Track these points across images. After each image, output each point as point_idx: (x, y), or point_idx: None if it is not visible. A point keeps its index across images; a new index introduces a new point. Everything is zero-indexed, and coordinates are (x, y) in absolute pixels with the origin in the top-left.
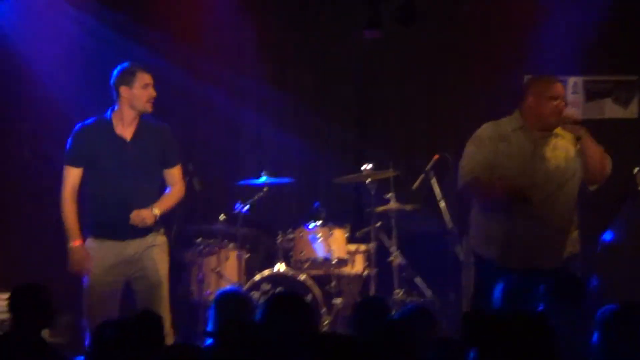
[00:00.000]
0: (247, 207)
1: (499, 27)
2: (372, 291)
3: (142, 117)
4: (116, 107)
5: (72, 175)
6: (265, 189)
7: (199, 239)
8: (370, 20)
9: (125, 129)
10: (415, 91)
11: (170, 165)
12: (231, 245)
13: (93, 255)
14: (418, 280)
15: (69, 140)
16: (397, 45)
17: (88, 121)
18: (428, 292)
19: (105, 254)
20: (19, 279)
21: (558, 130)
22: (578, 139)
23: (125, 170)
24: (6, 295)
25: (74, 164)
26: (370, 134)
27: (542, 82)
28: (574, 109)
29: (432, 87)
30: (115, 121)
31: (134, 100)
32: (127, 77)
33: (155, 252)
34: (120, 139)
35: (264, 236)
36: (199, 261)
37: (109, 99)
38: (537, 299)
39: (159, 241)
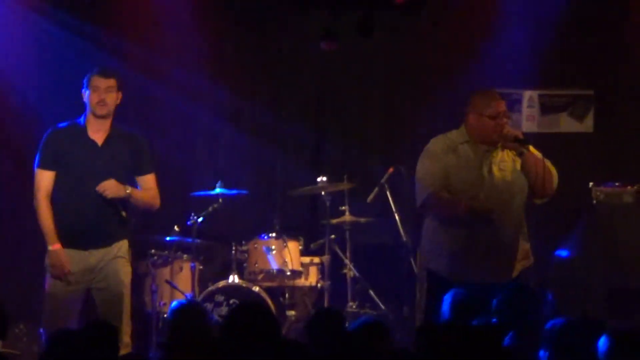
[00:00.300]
0: (201, 218)
1: (455, 41)
2: (326, 303)
3: (114, 124)
4: (86, 112)
5: (45, 179)
6: (220, 200)
7: (153, 250)
8: (327, 31)
9: (96, 134)
10: (371, 104)
11: (143, 172)
12: (185, 256)
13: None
14: (372, 292)
15: (41, 144)
16: (354, 58)
17: (60, 125)
18: (382, 305)
19: (72, 259)
20: None
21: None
22: (520, 154)
23: (95, 176)
24: None
25: (47, 167)
26: (325, 146)
27: (482, 100)
28: (514, 127)
29: (388, 100)
30: (88, 125)
31: (89, 103)
32: (86, 82)
33: (120, 264)
34: (92, 143)
35: (218, 247)
36: (152, 272)
37: (79, 105)
38: (490, 312)
39: (123, 252)
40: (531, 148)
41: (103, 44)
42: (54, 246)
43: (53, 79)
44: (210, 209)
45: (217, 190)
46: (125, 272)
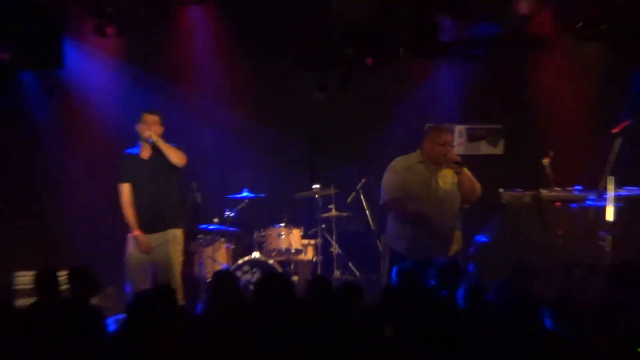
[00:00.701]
0: (233, 213)
1: (410, 88)
2: (318, 272)
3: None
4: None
5: (125, 188)
6: (246, 200)
7: (200, 235)
8: (319, 86)
9: (143, 153)
10: (350, 134)
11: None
12: (222, 239)
13: (133, 242)
14: (350, 264)
15: (120, 163)
16: (338, 101)
17: (126, 151)
18: (357, 273)
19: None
20: (79, 259)
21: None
22: (457, 173)
23: (146, 181)
24: (65, 272)
25: (124, 180)
26: (318, 163)
27: (434, 132)
28: (454, 153)
29: (362, 132)
30: (140, 150)
31: (140, 132)
32: (140, 118)
33: (171, 244)
34: (141, 160)
35: (245, 233)
36: (199, 251)
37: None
38: (429, 277)
39: (172, 236)
40: (465, 169)
41: (157, 87)
42: (137, 231)
43: (128, 111)
44: (239, 206)
45: (244, 193)
46: (174, 250)
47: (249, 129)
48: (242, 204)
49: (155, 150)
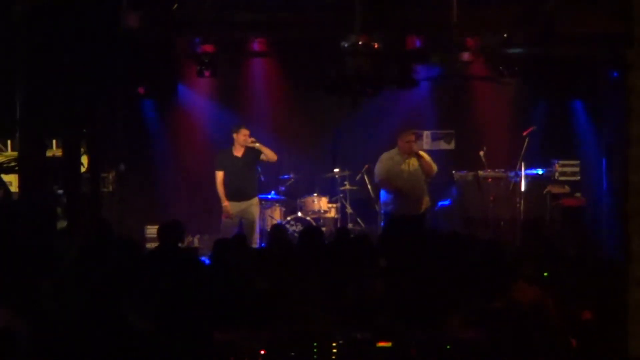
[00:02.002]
0: (283, 187)
1: (396, 109)
2: (338, 224)
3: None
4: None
5: (219, 175)
6: (292, 179)
7: (263, 202)
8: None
9: (238, 152)
10: (359, 135)
11: (260, 155)
12: (277, 204)
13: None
14: (359, 219)
15: (216, 158)
16: (352, 121)
17: (222, 149)
18: (363, 225)
19: (232, 207)
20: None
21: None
22: (418, 158)
23: (240, 170)
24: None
25: (219, 169)
26: (338, 153)
27: (402, 134)
28: (417, 147)
29: (367, 134)
30: (233, 148)
31: (237, 139)
32: (236, 129)
33: (254, 208)
34: (236, 156)
35: (292, 200)
36: (262, 211)
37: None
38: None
39: (255, 202)
40: (423, 154)
41: (236, 110)
42: (225, 202)
43: (218, 127)
44: (287, 183)
45: (291, 174)
46: (256, 211)
47: (293, 134)
48: (289, 182)
49: (247, 149)
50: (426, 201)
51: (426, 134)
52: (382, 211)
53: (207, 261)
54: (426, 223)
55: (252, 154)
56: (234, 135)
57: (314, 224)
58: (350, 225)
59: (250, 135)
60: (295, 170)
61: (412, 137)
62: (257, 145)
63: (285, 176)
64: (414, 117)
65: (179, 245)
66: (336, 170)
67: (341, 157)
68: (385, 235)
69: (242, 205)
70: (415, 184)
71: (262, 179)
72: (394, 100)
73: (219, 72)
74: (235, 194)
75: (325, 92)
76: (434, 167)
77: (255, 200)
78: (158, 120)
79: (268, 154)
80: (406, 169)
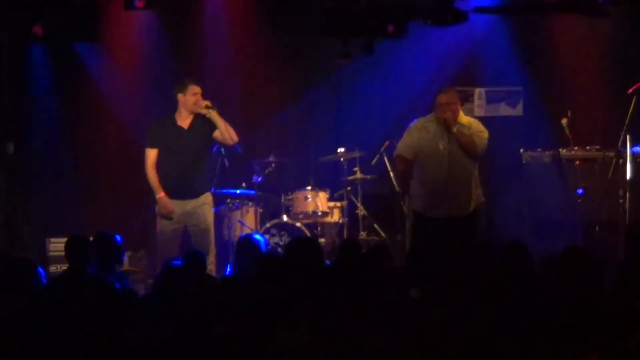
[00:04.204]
0: (260, 177)
1: (430, 54)
2: (345, 234)
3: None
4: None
5: (151, 155)
6: (273, 165)
7: (228, 200)
8: (342, 52)
9: (184, 122)
10: (373, 100)
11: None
12: (250, 203)
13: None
14: (376, 225)
15: (148, 131)
16: (361, 69)
17: (160, 118)
18: (382, 234)
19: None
20: (110, 226)
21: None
22: (448, 132)
23: (184, 150)
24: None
25: (152, 146)
26: (343, 127)
27: (437, 95)
28: (450, 113)
29: (384, 97)
30: (177, 116)
31: (185, 103)
32: (178, 87)
33: (205, 209)
34: (179, 128)
35: (273, 197)
36: (228, 214)
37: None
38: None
39: (208, 200)
40: (458, 129)
41: (185, 58)
42: (161, 194)
43: (160, 83)
44: (266, 171)
45: (270, 158)
46: (209, 214)
47: (272, 95)
48: (269, 169)
49: (196, 119)
50: (477, 196)
51: (479, 92)
52: (412, 211)
53: (147, 292)
54: (478, 229)
55: (204, 125)
56: (178, 96)
57: (307, 233)
58: (362, 235)
59: (205, 97)
60: (278, 151)
61: (443, 98)
62: (213, 113)
63: (263, 161)
64: (460, 68)
65: (116, 267)
66: (341, 150)
67: (348, 129)
68: (416, 250)
69: (187, 205)
70: (456, 168)
71: (227, 164)
72: (429, 43)
73: (158, 1)
74: (175, 188)
75: (321, 34)
76: (478, 143)
77: (208, 197)
78: (63, 77)
79: (224, 131)
80: (445, 146)
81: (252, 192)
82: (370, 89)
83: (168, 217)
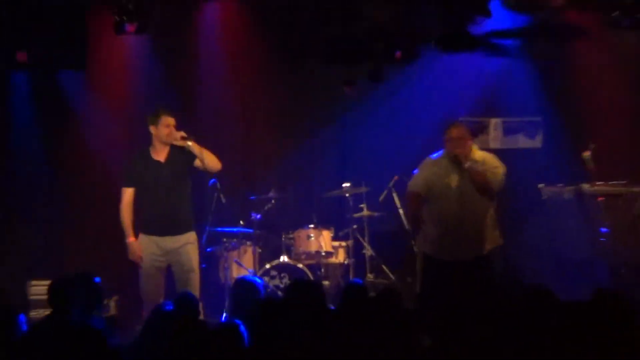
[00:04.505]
0: (259, 215)
1: (441, 82)
2: (351, 276)
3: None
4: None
5: (127, 194)
6: (273, 201)
7: (224, 239)
8: (347, 80)
9: (160, 155)
10: (381, 131)
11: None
12: (248, 242)
13: (144, 246)
14: (384, 267)
15: (123, 168)
16: (368, 97)
17: (134, 152)
18: (391, 276)
19: (151, 246)
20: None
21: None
22: (459, 166)
23: (162, 185)
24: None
25: (128, 184)
26: (348, 160)
27: (447, 129)
28: (462, 148)
29: (394, 128)
30: (152, 150)
31: (158, 135)
32: (150, 119)
33: (190, 248)
34: (156, 162)
35: (272, 236)
36: (224, 254)
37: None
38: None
39: (192, 239)
40: (471, 164)
41: (179, 85)
42: (131, 239)
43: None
44: (266, 207)
45: (270, 194)
46: (194, 254)
47: (274, 127)
48: (269, 205)
49: (172, 151)
50: (493, 237)
51: (495, 122)
52: (422, 253)
53: (135, 339)
54: (492, 274)
55: (182, 156)
56: (151, 128)
57: (309, 275)
58: (369, 277)
59: (184, 128)
60: (278, 187)
61: (454, 132)
62: (189, 144)
63: (262, 196)
64: (475, 97)
65: (94, 312)
66: (346, 185)
67: (354, 163)
68: (426, 295)
69: (168, 242)
70: (469, 207)
71: (223, 200)
72: (441, 70)
73: (150, 24)
74: (156, 226)
75: (326, 61)
76: (493, 180)
77: (192, 237)
78: (46, 107)
79: (205, 159)
80: (457, 184)
81: (250, 230)
82: (378, 119)
83: (136, 259)
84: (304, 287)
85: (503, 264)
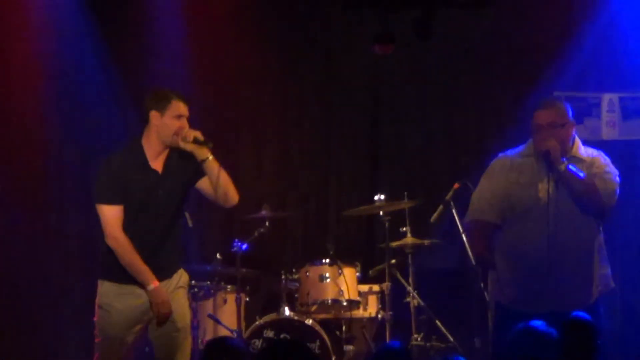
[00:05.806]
0: (245, 245)
1: (525, 42)
2: (387, 337)
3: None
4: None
5: (116, 215)
6: (267, 223)
7: (193, 281)
8: (380, 35)
9: (156, 161)
10: (432, 113)
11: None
12: (229, 287)
13: (110, 303)
14: (438, 323)
15: (105, 174)
16: (411, 62)
17: (118, 153)
18: (450, 337)
19: (125, 302)
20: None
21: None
22: (550, 165)
23: (159, 207)
24: None
25: (113, 202)
26: (383, 161)
27: (535, 112)
28: (552, 139)
29: (451, 110)
30: (147, 152)
31: (162, 130)
32: (158, 102)
33: (181, 295)
34: (152, 172)
35: (266, 277)
36: (192, 306)
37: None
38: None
39: (183, 281)
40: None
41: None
42: (155, 283)
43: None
44: (256, 233)
45: (263, 212)
46: (186, 305)
47: (270, 106)
48: (261, 229)
49: (174, 159)
50: (602, 277)
51: (609, 100)
52: (494, 302)
53: None
54: (603, 329)
55: (186, 167)
56: (152, 115)
57: (324, 335)
58: (417, 339)
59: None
60: (275, 202)
61: (552, 115)
62: (208, 156)
63: (250, 216)
64: (577, 62)
65: None
66: (379, 197)
67: (389, 168)
68: None
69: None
70: (572, 235)
71: (189, 223)
72: (524, 18)
73: None
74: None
75: (343, 11)
76: (605, 190)
77: (183, 277)
78: None
79: (221, 184)
80: (549, 196)
81: (232, 268)
82: (424, 97)
83: (166, 316)
84: (285, 350)
85: (618, 316)
